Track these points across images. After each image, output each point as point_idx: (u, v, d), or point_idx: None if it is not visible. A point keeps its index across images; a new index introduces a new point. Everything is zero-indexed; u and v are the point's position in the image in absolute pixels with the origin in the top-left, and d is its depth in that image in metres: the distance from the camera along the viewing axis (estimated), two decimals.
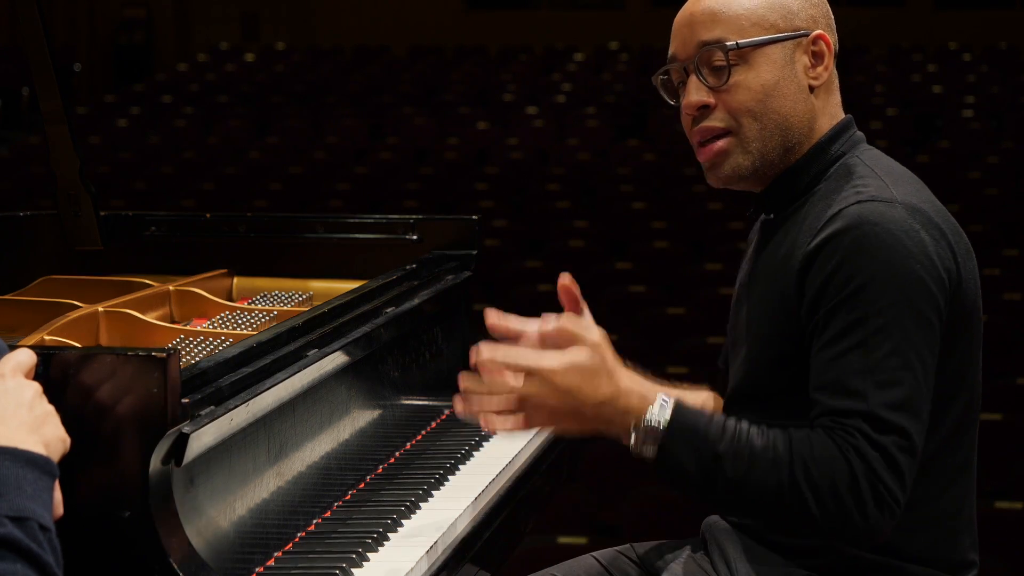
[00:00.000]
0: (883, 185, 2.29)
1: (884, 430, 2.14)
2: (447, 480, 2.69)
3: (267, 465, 2.33)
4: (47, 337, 2.59)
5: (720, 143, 2.38)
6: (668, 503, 5.04)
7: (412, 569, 2.25)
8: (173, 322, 3.00)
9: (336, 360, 2.54)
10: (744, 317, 2.41)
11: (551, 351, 2.21)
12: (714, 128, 2.38)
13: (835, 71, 2.43)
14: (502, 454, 2.85)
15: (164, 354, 1.97)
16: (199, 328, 2.83)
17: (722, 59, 2.35)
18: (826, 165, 2.38)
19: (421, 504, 2.55)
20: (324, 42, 17.81)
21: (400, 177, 11.13)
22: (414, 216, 3.34)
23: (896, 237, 2.20)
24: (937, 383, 2.27)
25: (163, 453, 2.00)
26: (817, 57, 2.38)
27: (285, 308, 3.06)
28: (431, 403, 3.09)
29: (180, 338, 2.71)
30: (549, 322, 2.23)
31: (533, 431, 2.37)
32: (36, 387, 1.69)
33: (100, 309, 2.79)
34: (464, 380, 2.24)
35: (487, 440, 2.95)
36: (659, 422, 2.19)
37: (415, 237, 3.30)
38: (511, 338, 2.25)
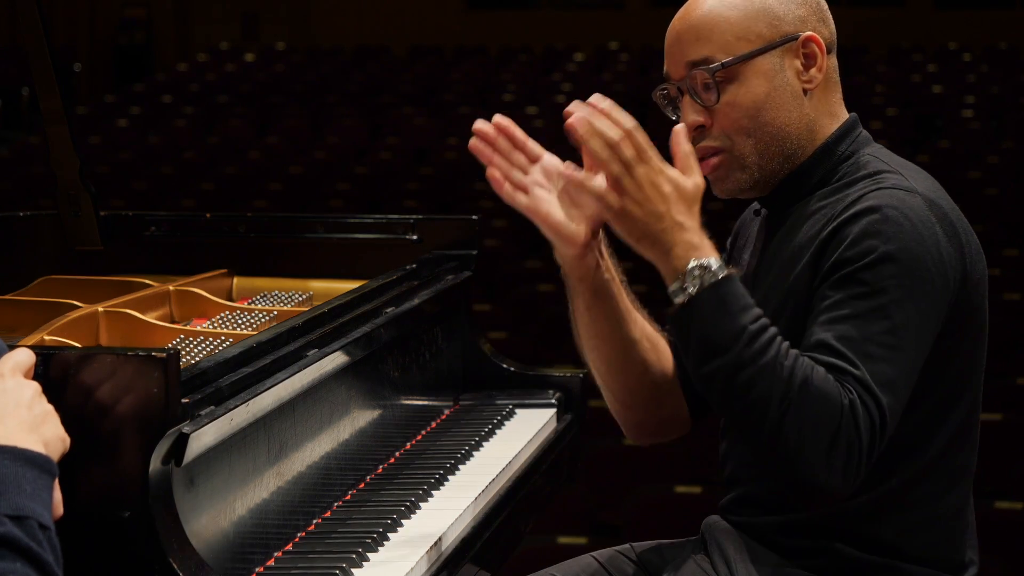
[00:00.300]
0: (902, 178, 2.29)
1: (873, 401, 2.13)
2: (447, 480, 2.69)
3: (267, 465, 2.33)
4: (47, 337, 2.59)
5: (716, 160, 2.38)
6: (668, 503, 5.04)
7: (412, 569, 2.25)
8: (173, 322, 3.00)
9: (336, 360, 2.54)
10: None
11: None
12: (710, 147, 2.37)
13: (835, 66, 2.40)
14: (502, 454, 2.85)
15: (164, 354, 1.97)
16: (199, 328, 2.83)
17: (710, 79, 2.34)
18: (834, 164, 2.37)
19: (421, 504, 2.55)
20: (324, 42, 17.81)
21: (400, 177, 11.13)
22: (414, 216, 3.34)
23: (914, 225, 2.21)
24: (942, 385, 2.27)
25: (163, 453, 2.00)
26: (809, 59, 2.36)
27: (285, 308, 3.06)
28: (431, 403, 3.09)
29: (180, 338, 2.71)
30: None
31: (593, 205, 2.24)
32: (35, 386, 1.69)
33: (100, 309, 2.79)
34: (582, 109, 2.18)
35: (487, 440, 2.95)
36: (716, 271, 2.15)
37: (415, 237, 3.30)
38: (513, 143, 2.26)
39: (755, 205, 2.52)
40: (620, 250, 2.34)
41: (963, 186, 9.78)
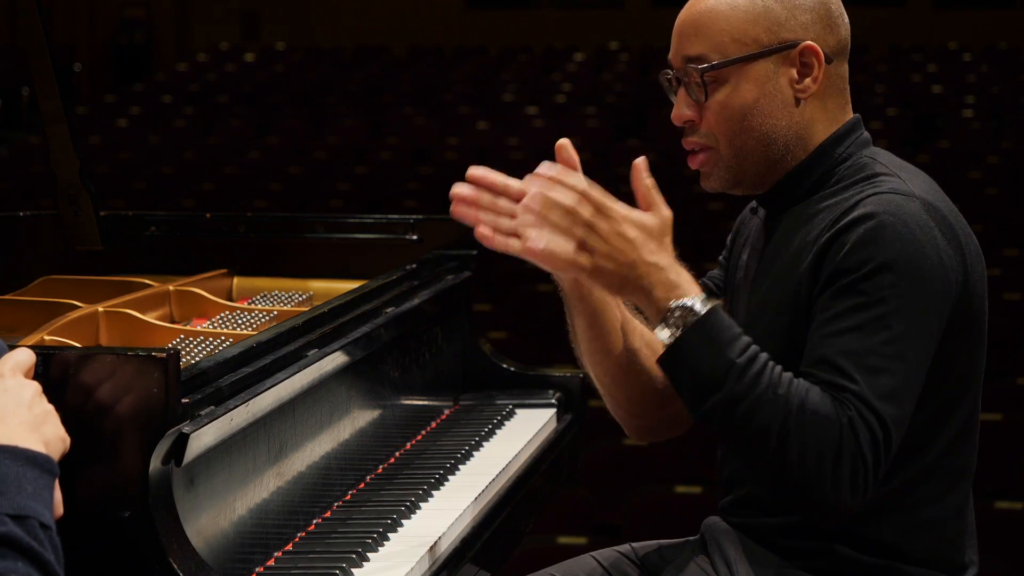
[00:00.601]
0: (900, 181, 2.28)
1: (873, 416, 2.13)
2: (447, 480, 2.69)
3: (267, 465, 2.33)
4: (47, 337, 2.59)
5: (702, 156, 2.38)
6: (668, 503, 5.04)
7: (412, 569, 2.25)
8: (173, 322, 3.00)
9: (336, 360, 2.54)
10: (745, 312, 2.40)
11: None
12: (697, 143, 2.38)
13: (841, 73, 2.37)
14: (502, 454, 2.85)
15: (164, 354, 1.97)
16: (199, 328, 2.83)
17: (700, 78, 2.33)
18: (832, 166, 2.36)
19: (421, 504, 2.55)
20: (324, 42, 17.81)
21: (400, 177, 11.13)
22: (414, 216, 3.34)
23: (912, 231, 2.20)
24: (943, 387, 2.26)
25: (163, 453, 2.00)
26: (805, 68, 2.33)
27: (285, 308, 3.06)
28: (431, 403, 3.09)
29: (180, 338, 2.71)
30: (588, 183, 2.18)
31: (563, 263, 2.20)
32: (36, 386, 1.69)
33: (100, 309, 2.79)
34: (534, 184, 2.17)
35: (487, 440, 2.95)
36: (698, 309, 2.16)
37: (415, 237, 3.30)
38: (493, 191, 2.20)
39: (753, 203, 2.52)
40: None
41: (963, 186, 9.78)
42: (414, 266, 3.13)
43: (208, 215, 3.47)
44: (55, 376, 1.96)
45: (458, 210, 2.22)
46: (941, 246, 2.22)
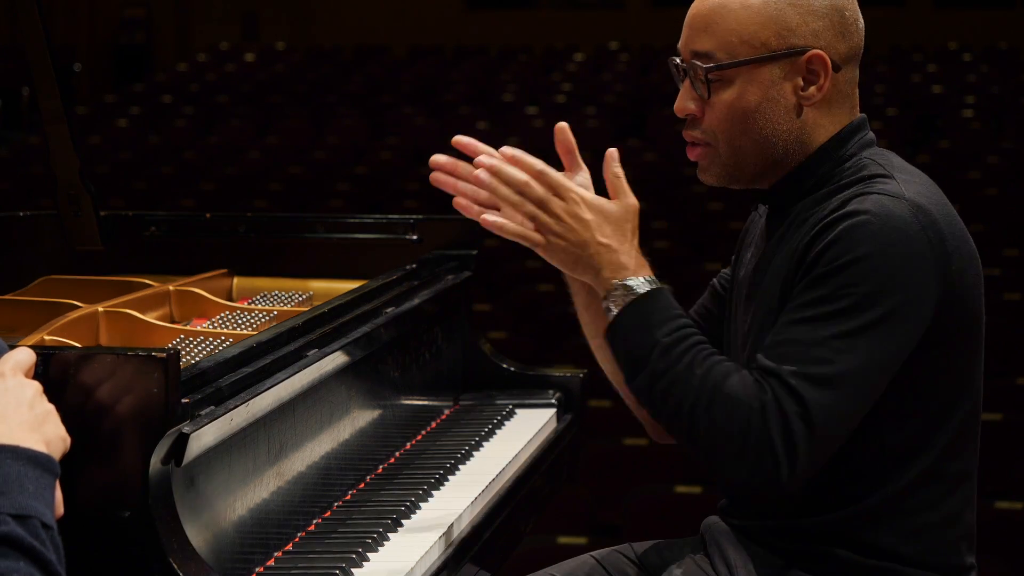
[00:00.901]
0: (894, 182, 2.27)
1: (794, 401, 2.14)
2: (447, 480, 2.69)
3: (267, 465, 2.33)
4: (47, 337, 2.59)
5: (700, 150, 2.38)
6: (668, 503, 5.04)
7: (412, 569, 2.25)
8: (173, 322, 3.00)
9: (336, 360, 2.54)
10: (746, 308, 2.40)
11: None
12: (697, 137, 2.38)
13: (850, 78, 2.36)
14: (502, 454, 2.86)
15: (164, 354, 1.97)
16: (199, 328, 2.84)
17: (704, 76, 2.33)
18: (834, 166, 2.35)
19: (421, 504, 2.55)
20: (324, 42, 17.80)
21: (400, 177, 11.12)
22: (414, 216, 3.35)
23: (889, 233, 2.19)
24: (938, 391, 2.26)
25: (163, 453, 2.00)
26: (811, 76, 2.31)
27: (285, 308, 3.06)
28: (431, 403, 3.09)
29: (180, 338, 2.71)
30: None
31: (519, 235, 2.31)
32: (36, 386, 1.70)
33: (100, 309, 2.79)
34: (488, 159, 2.28)
35: (487, 440, 2.95)
36: (637, 291, 2.26)
37: (415, 237, 3.30)
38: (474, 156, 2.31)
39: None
40: None
41: (963, 186, 9.78)
42: (414, 266, 3.13)
43: (208, 215, 3.47)
44: (55, 376, 1.96)
45: (438, 178, 2.34)
46: (919, 249, 2.21)
